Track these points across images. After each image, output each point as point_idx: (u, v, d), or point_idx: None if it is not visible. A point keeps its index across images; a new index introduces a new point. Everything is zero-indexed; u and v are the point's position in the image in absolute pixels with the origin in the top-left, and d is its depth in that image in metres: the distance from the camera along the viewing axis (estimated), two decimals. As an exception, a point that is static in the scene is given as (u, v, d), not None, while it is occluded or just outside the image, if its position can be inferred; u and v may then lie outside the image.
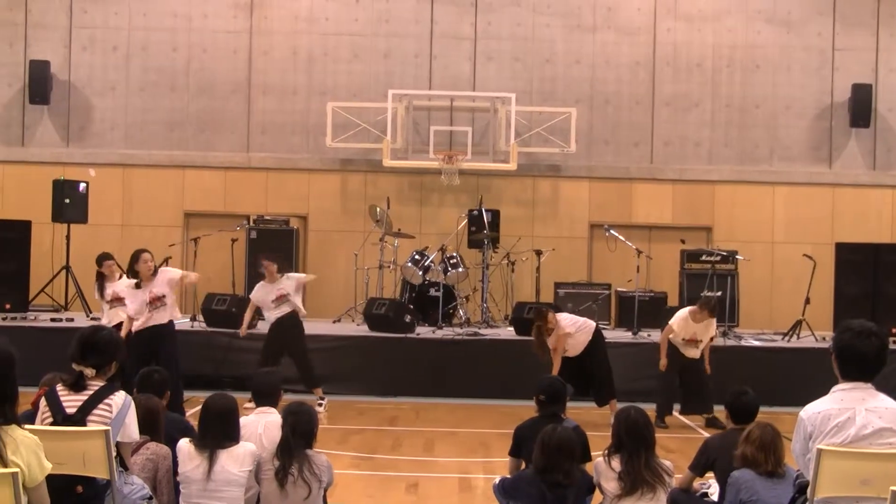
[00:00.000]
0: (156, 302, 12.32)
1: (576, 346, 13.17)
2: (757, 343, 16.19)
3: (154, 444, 6.77)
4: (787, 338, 16.61)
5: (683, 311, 13.34)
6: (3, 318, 15.86)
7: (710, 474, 7.43)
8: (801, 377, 14.02)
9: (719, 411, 11.94)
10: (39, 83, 19.19)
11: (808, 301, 16.62)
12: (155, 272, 12.45)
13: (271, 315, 13.85)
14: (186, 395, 12.46)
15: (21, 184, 19.22)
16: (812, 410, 5.49)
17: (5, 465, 4.79)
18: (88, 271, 17.64)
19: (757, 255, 18.82)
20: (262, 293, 13.89)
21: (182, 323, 16.12)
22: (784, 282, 19.05)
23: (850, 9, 19.72)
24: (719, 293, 16.94)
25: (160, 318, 12.33)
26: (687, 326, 13.19)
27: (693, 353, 13.26)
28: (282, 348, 13.84)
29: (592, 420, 12.80)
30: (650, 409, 12.67)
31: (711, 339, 13.44)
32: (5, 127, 19.60)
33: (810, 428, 5.48)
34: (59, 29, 19.62)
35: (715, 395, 13.25)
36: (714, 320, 13.38)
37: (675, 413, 13.57)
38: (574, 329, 13.15)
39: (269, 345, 13.87)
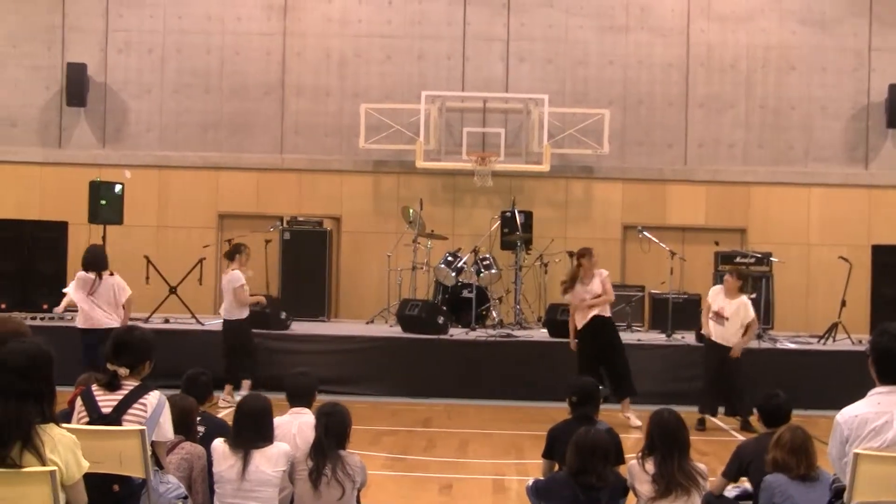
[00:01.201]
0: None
1: (585, 313, 13.06)
2: (792, 346, 16.08)
3: (189, 444, 6.81)
4: (822, 341, 16.49)
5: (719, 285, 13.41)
6: (41, 318, 15.99)
7: (744, 479, 7.39)
8: (838, 380, 13.91)
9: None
10: (76, 86, 19.34)
11: (844, 303, 16.49)
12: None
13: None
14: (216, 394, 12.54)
15: (58, 185, 19.38)
16: (849, 414, 5.46)
17: (44, 464, 4.84)
18: (124, 272, 17.77)
19: (792, 257, 18.70)
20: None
21: (216, 324, 16.23)
22: (820, 284, 18.92)
23: (887, 9, 19.56)
24: (753, 295, 16.83)
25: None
26: (717, 297, 13.22)
27: (720, 332, 13.10)
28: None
29: (624, 422, 12.79)
30: (683, 411, 12.66)
31: (747, 328, 13.23)
32: (43, 129, 19.78)
33: (847, 432, 5.44)
34: (96, 32, 19.77)
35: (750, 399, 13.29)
36: (746, 303, 13.18)
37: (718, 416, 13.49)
38: (603, 290, 13.05)
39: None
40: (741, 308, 13.12)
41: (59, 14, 19.74)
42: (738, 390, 13.13)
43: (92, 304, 12.68)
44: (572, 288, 13.15)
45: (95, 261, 12.86)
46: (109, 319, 12.53)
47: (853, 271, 16.60)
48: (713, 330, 13.21)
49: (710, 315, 13.22)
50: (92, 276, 12.72)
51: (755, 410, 7.60)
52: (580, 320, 13.15)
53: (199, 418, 7.23)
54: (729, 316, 13.07)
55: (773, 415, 7.36)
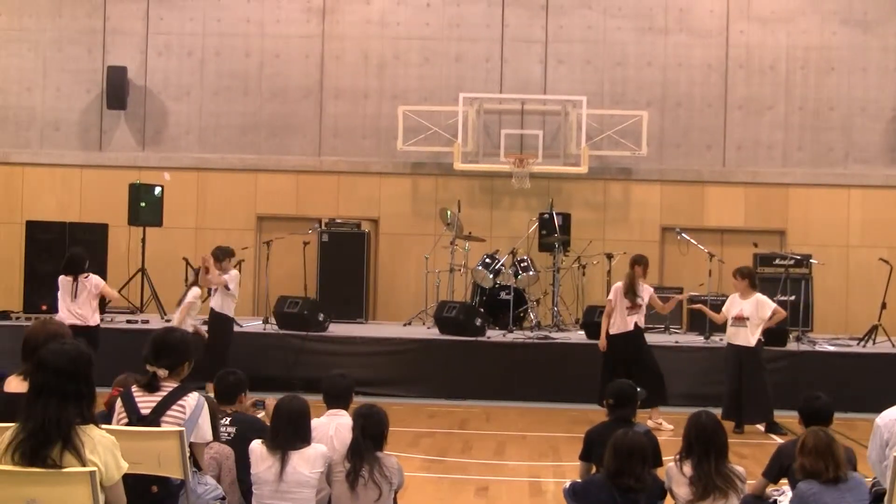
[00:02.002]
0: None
1: (625, 323, 13.06)
2: (831, 348, 15.97)
3: (217, 444, 6.85)
4: (862, 343, 16.36)
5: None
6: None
7: (784, 481, 7.34)
8: (877, 383, 13.83)
9: (786, 417, 11.86)
10: (116, 89, 19.49)
11: (884, 306, 16.37)
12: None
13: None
14: (258, 396, 12.57)
15: (99, 187, 19.56)
16: (889, 417, 5.44)
17: (83, 464, 4.89)
18: (163, 274, 17.99)
19: (832, 258, 18.58)
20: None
21: (254, 325, 16.34)
22: (859, 286, 18.76)
23: (929, 9, 19.41)
24: (792, 297, 16.74)
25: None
26: (733, 303, 13.19)
27: (743, 336, 13.02)
28: None
29: (656, 427, 12.75)
30: (722, 413, 12.63)
31: (773, 315, 13.15)
32: (84, 132, 19.96)
33: (887, 435, 5.42)
34: (136, 35, 19.93)
35: (779, 400, 13.25)
36: (761, 300, 13.12)
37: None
38: (646, 299, 13.09)
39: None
40: (758, 306, 13.05)
41: (99, 18, 19.91)
42: (759, 394, 13.04)
43: (72, 305, 13.22)
44: (633, 291, 13.15)
45: (70, 264, 13.28)
46: (87, 319, 13.27)
47: (893, 273, 16.46)
48: (730, 333, 13.21)
49: (731, 321, 13.18)
50: (70, 279, 13.25)
51: (797, 412, 7.49)
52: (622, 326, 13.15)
53: (229, 419, 7.26)
54: (749, 315, 13.02)
55: (813, 417, 7.26)
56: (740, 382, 13.05)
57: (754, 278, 13.39)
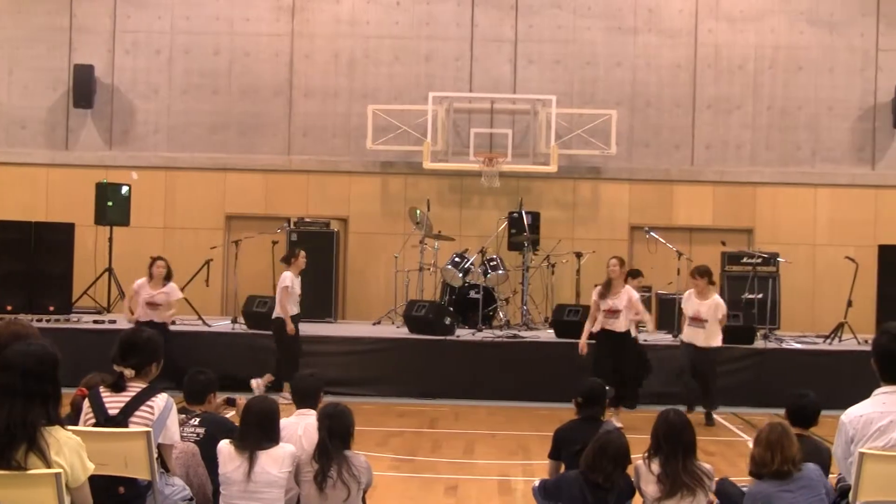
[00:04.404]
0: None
1: (616, 323, 13.02)
2: (798, 346, 16.06)
3: (182, 443, 6.80)
4: (828, 341, 16.47)
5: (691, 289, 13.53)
6: (47, 320, 16.01)
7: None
8: (843, 380, 13.88)
9: (753, 414, 11.92)
10: (83, 87, 19.37)
11: (850, 304, 16.48)
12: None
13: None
14: (228, 395, 12.54)
15: (65, 187, 19.43)
16: (854, 414, 5.47)
17: (49, 466, 4.85)
18: (131, 274, 17.85)
19: (799, 257, 18.69)
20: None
21: (223, 325, 16.29)
22: (826, 284, 18.89)
23: (894, 9, 19.53)
24: (760, 295, 16.85)
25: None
26: (689, 301, 13.40)
27: (700, 336, 13.26)
28: None
29: (632, 424, 12.78)
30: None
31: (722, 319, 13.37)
32: (50, 130, 19.81)
33: (852, 432, 5.45)
34: (103, 33, 19.81)
35: (747, 398, 13.92)
36: (720, 302, 13.35)
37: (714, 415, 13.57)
38: (630, 305, 12.98)
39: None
40: (716, 308, 13.29)
41: (66, 15, 19.77)
42: (709, 387, 13.39)
43: None
44: (612, 289, 13.17)
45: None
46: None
47: (859, 271, 16.58)
48: (688, 333, 13.41)
49: (687, 321, 13.39)
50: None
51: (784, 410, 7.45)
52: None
53: (199, 419, 7.21)
54: (707, 318, 13.22)
55: (799, 414, 7.22)
56: (693, 375, 13.39)
57: (711, 276, 13.55)
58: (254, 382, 13.91)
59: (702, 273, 13.39)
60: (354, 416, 6.86)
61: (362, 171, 19.65)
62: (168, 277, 14.57)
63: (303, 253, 14.83)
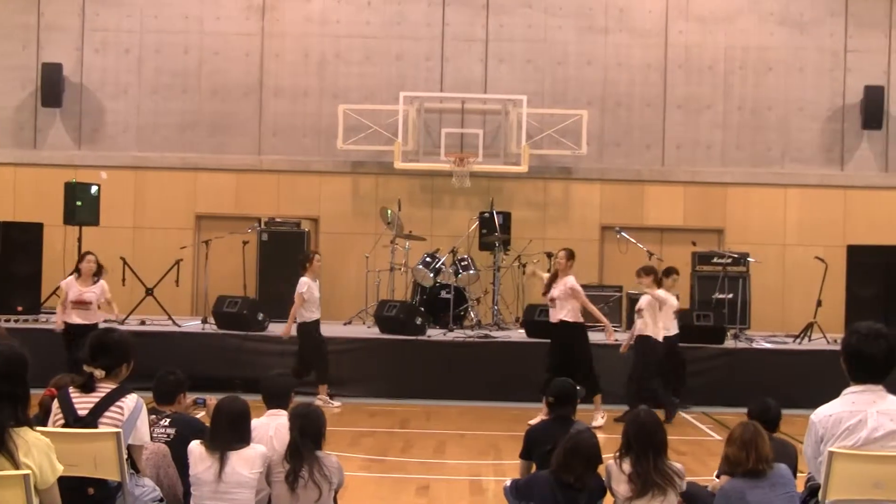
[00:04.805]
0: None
1: (554, 313, 13.14)
2: (768, 345, 16.16)
3: (152, 444, 6.76)
4: (798, 340, 16.57)
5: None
6: (16, 320, 15.90)
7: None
8: (813, 380, 13.99)
9: (723, 414, 11.93)
10: (52, 86, 19.23)
11: (819, 304, 16.58)
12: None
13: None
14: (198, 396, 12.47)
15: (33, 186, 19.27)
16: (823, 413, 5.49)
17: (17, 467, 4.81)
18: (100, 273, 17.70)
19: (769, 257, 18.79)
20: None
21: (193, 325, 16.22)
22: (796, 284, 19.00)
23: (863, 10, 19.66)
24: (730, 295, 16.93)
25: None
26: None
27: (639, 327, 13.56)
28: None
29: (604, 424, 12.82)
30: (660, 411, 12.74)
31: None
32: (18, 129, 19.66)
33: (822, 431, 5.47)
34: (72, 32, 19.67)
35: (717, 397, 14.19)
36: (649, 298, 13.46)
37: (685, 415, 13.62)
38: (571, 293, 13.03)
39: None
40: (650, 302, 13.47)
41: (34, 13, 19.62)
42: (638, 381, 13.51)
43: None
44: (551, 280, 13.31)
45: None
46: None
47: (829, 271, 16.68)
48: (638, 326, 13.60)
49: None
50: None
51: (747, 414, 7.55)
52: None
53: (169, 419, 7.16)
54: (642, 307, 13.45)
55: (761, 420, 7.28)
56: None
57: (657, 275, 13.65)
58: (317, 401, 13.35)
59: (647, 272, 13.62)
60: (326, 416, 6.85)
61: (333, 170, 19.60)
62: (98, 274, 13.47)
63: (317, 255, 14.55)
